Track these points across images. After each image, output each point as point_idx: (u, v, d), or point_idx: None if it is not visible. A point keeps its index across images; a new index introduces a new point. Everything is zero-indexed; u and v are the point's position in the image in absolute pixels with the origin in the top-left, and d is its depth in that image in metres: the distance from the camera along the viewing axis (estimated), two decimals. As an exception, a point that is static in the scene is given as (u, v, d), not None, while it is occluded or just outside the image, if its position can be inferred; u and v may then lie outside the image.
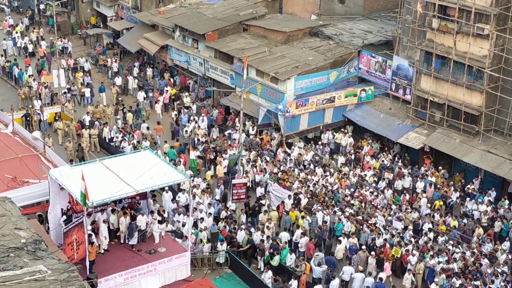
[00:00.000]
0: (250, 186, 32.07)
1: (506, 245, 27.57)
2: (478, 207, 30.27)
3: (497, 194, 31.61)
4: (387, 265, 25.73)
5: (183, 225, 27.29)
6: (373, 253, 26.57)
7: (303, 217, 28.55)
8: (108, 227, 25.12)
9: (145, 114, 40.02)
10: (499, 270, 25.66)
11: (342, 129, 37.66)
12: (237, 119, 36.79)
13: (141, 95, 41.07)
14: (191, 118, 38.59)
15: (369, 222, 28.75)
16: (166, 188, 28.68)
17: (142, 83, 44.07)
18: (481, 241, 27.90)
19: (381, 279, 25.14)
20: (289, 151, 35.62)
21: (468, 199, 31.11)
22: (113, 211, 25.45)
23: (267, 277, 25.06)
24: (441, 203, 30.92)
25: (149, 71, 45.44)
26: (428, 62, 34.56)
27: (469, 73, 32.76)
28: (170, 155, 33.81)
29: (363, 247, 26.85)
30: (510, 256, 26.83)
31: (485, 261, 26.29)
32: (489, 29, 31.26)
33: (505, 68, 31.76)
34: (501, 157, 31.59)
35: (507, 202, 30.70)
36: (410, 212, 29.81)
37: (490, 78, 31.96)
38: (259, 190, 31.29)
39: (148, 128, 37.10)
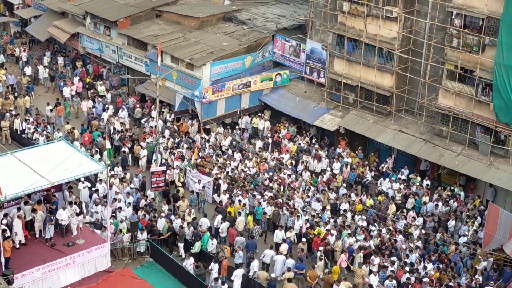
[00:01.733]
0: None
1: (419, 220, 28.57)
2: (392, 186, 31.20)
3: (409, 172, 32.68)
4: (342, 256, 25.82)
5: (102, 216, 26.85)
6: (304, 239, 26.91)
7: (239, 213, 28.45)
8: (25, 221, 24.41)
9: (72, 111, 38.68)
10: (413, 246, 26.59)
11: (259, 114, 37.89)
12: (153, 107, 36.38)
13: (67, 90, 39.56)
14: (106, 106, 37.87)
15: (289, 204, 29.15)
16: (82, 179, 28.08)
17: (54, 73, 42.85)
18: (395, 217, 28.81)
19: (300, 259, 25.55)
20: (206, 137, 35.57)
21: (382, 178, 32.04)
22: (26, 203, 24.70)
23: (189, 263, 25.04)
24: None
25: (60, 60, 44.19)
26: (341, 45, 35.20)
27: (379, 55, 33.59)
28: (95, 136, 33.60)
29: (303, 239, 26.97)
30: (423, 231, 27.85)
31: (400, 237, 27.18)
32: (397, 11, 32.11)
33: (413, 50, 32.74)
34: (412, 136, 32.64)
35: (418, 179, 31.79)
36: (328, 193, 30.41)
37: (399, 59, 32.88)
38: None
39: (51, 110, 36.36)
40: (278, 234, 27.26)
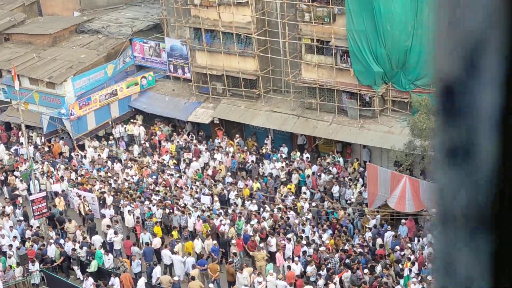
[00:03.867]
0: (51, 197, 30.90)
1: (307, 193, 29.40)
2: (275, 165, 31.86)
3: (288, 149, 33.49)
4: (278, 255, 25.72)
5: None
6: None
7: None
8: None
9: None
10: (304, 218, 27.37)
11: (132, 120, 37.42)
12: (20, 133, 35.01)
13: None
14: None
15: (178, 203, 29.10)
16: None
17: None
18: (283, 196, 29.49)
19: (202, 255, 25.67)
20: (82, 153, 34.71)
21: (264, 160, 32.65)
22: None
23: (89, 284, 24.49)
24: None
25: None
26: (199, 38, 35.35)
27: (239, 41, 34.07)
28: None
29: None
30: (313, 204, 28.71)
31: (291, 213, 27.87)
32: (248, -4, 32.67)
33: (270, 30, 33.46)
34: (285, 113, 33.44)
35: (298, 154, 32.66)
36: (216, 185, 30.61)
37: (258, 42, 33.50)
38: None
39: None
40: (175, 235, 27.19)
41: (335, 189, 29.60)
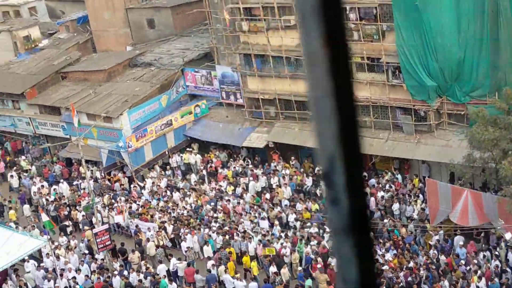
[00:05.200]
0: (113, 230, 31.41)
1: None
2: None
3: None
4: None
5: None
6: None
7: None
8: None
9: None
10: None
11: (188, 149, 37.87)
12: (81, 168, 35.83)
13: (26, 183, 37.39)
14: (33, 180, 37.04)
15: (238, 229, 29.18)
16: (26, 258, 27.29)
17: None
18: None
19: (266, 280, 25.60)
20: (141, 184, 35.25)
21: (321, 181, 32.50)
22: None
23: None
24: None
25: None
26: (249, 64, 35.66)
27: (288, 64, 34.21)
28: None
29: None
30: (373, 222, 28.38)
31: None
32: (295, 19, 32.84)
33: (319, 52, 33.48)
34: (339, 133, 33.24)
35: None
36: (273, 209, 30.61)
37: (308, 64, 33.52)
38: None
39: None
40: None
41: (395, 206, 29.21)
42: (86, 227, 31.37)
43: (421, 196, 29.35)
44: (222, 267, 26.80)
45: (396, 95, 31.13)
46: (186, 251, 28.42)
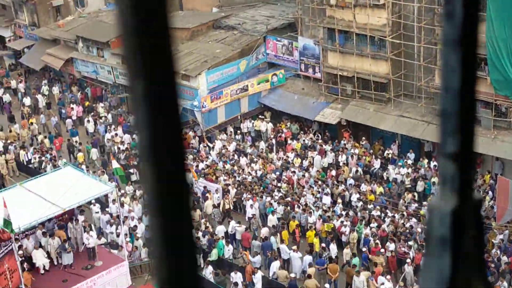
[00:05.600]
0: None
1: (431, 202, 28.64)
2: (400, 171, 31.30)
3: (415, 156, 32.77)
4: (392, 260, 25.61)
5: (117, 236, 27.03)
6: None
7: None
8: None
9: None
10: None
11: (260, 116, 38.05)
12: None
13: (101, 129, 38.82)
14: (108, 127, 38.09)
15: (299, 202, 29.27)
16: (93, 201, 28.25)
17: (57, 102, 43.09)
18: (407, 203, 28.90)
19: (320, 255, 25.69)
20: (210, 145, 35.74)
21: (389, 165, 32.15)
22: (43, 234, 25.00)
23: (208, 272, 25.18)
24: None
25: (56, 89, 44.40)
26: (332, 38, 35.35)
27: (372, 44, 33.72)
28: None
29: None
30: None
31: (413, 220, 27.28)
32: (384, -2, 32.27)
33: (405, 34, 32.87)
34: (414, 119, 32.75)
35: (425, 161, 31.89)
36: (338, 186, 30.52)
37: (392, 45, 33.00)
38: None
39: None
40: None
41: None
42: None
43: (490, 193, 28.66)
44: (278, 236, 27.02)
45: (479, 88, 30.23)
46: (251, 218, 28.68)
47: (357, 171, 31.74)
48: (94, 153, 35.54)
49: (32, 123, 39.64)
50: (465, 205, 0.95)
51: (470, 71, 1.11)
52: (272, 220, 28.40)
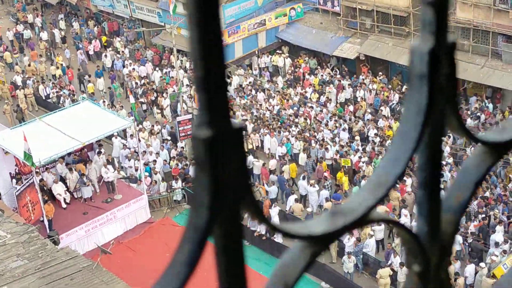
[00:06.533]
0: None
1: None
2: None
3: (434, 91, 32.42)
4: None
5: (136, 170, 27.37)
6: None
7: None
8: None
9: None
10: (444, 164, 26.70)
11: (278, 51, 37.74)
12: (171, 57, 36.45)
13: (118, 64, 38.22)
14: (125, 62, 38.03)
15: (317, 137, 29.31)
16: (115, 134, 28.42)
17: (73, 37, 42.94)
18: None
19: (338, 186, 25.88)
20: (228, 80, 35.51)
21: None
22: (66, 164, 25.39)
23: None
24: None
25: (76, 23, 44.16)
26: (352, -29, 34.62)
27: (392, -24, 33.00)
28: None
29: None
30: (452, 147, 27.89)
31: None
32: None
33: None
34: (434, 54, 32.28)
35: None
36: (357, 122, 30.44)
37: (413, -22, 32.30)
38: None
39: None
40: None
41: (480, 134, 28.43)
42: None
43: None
44: (286, 167, 27.20)
45: (500, 21, 29.69)
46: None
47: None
48: (101, 83, 35.59)
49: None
50: (441, 46, 1.09)
51: None
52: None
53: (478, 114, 29.74)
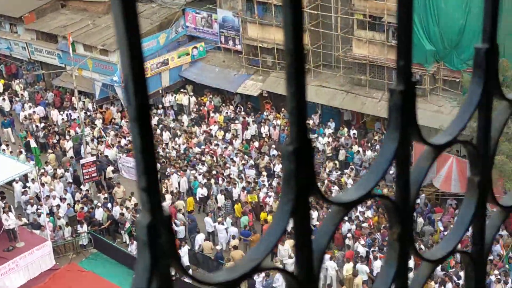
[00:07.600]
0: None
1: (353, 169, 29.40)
2: (320, 140, 31.87)
3: (336, 125, 33.43)
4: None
5: (38, 216, 26.52)
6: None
7: None
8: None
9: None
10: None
11: (182, 89, 37.85)
12: (73, 98, 35.82)
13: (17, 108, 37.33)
14: (25, 106, 37.02)
15: (224, 174, 29.45)
16: (17, 178, 27.46)
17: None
18: (328, 172, 29.54)
19: (246, 226, 26.00)
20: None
21: (311, 134, 32.71)
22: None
23: (134, 248, 25.10)
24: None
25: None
26: (251, 10, 35.40)
27: (290, 15, 33.92)
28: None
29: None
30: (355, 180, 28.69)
31: (335, 188, 27.95)
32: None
33: (322, 5, 33.27)
34: (333, 89, 33.36)
35: (345, 130, 32.60)
36: (263, 158, 30.79)
37: (310, 16, 33.35)
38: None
39: None
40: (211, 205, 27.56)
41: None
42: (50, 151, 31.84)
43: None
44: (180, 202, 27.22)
45: (394, 56, 30.85)
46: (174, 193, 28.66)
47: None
48: (8, 132, 34.48)
49: None
50: None
51: None
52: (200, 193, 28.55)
53: (377, 146, 30.80)
